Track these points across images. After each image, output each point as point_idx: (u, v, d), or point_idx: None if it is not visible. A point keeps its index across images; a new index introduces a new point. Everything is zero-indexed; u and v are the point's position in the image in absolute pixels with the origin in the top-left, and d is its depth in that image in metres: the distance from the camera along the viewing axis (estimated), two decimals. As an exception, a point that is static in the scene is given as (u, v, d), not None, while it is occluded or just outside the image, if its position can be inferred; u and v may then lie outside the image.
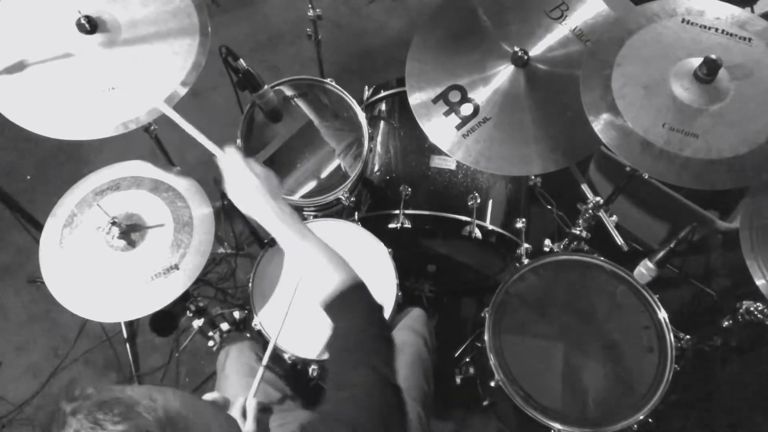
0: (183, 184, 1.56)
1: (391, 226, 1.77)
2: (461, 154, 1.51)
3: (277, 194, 1.07)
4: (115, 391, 0.68)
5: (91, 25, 1.47)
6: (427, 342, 1.58)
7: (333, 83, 1.81)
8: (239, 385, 1.44)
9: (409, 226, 1.77)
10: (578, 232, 1.75)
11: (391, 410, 0.93)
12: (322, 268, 1.04)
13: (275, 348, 1.53)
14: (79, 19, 1.45)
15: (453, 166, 1.85)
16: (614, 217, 1.68)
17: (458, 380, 2.01)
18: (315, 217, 1.81)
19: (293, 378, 1.55)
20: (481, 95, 1.56)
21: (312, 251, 1.05)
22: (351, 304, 1.02)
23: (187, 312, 1.66)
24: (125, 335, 2.20)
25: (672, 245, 1.35)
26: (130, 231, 1.46)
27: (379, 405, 0.91)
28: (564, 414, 1.47)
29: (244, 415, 1.21)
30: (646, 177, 1.55)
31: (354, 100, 1.81)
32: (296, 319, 1.56)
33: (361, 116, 1.78)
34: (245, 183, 1.07)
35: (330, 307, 1.02)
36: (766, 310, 1.49)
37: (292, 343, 1.53)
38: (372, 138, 1.81)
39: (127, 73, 1.48)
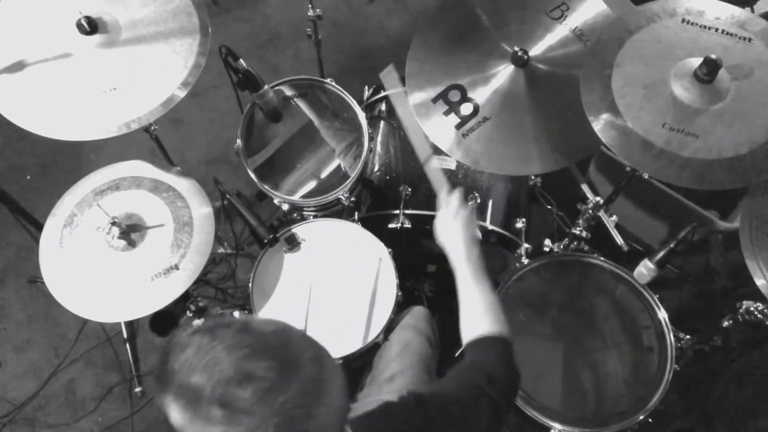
0: (183, 184, 1.56)
1: (391, 226, 1.77)
2: (461, 153, 1.51)
3: (473, 240, 1.21)
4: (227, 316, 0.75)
5: (91, 26, 1.47)
6: (430, 340, 1.58)
7: (333, 83, 1.81)
8: None
9: (409, 226, 1.77)
10: (578, 232, 1.75)
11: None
12: (476, 312, 1.12)
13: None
14: (79, 20, 1.46)
15: (453, 166, 1.85)
16: (614, 217, 1.68)
17: (458, 380, 2.01)
18: (315, 217, 1.81)
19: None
20: (480, 95, 1.56)
21: (475, 294, 1.13)
22: (489, 348, 1.07)
23: (187, 312, 1.66)
24: (125, 335, 2.20)
25: (672, 245, 1.35)
26: (130, 231, 1.46)
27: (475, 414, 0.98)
28: (564, 414, 1.47)
29: None
30: (646, 177, 1.55)
31: (354, 100, 1.81)
32: (297, 320, 1.56)
33: (361, 116, 1.78)
34: (457, 220, 1.22)
35: (471, 345, 1.09)
36: (766, 310, 1.49)
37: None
38: (372, 138, 1.81)
39: (127, 74, 1.48)
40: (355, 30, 2.99)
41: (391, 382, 1.41)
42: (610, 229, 1.66)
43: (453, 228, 1.21)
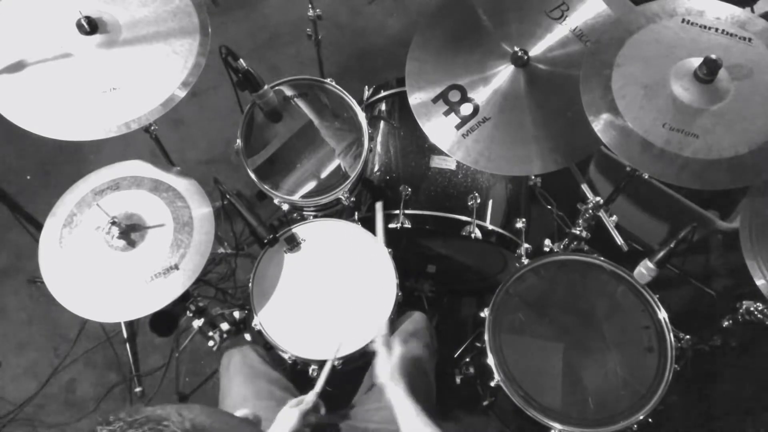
0: (183, 184, 1.56)
1: (391, 226, 1.77)
2: (461, 154, 1.51)
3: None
4: (146, 411, 0.70)
5: (90, 26, 1.47)
6: (429, 347, 1.58)
7: (333, 83, 1.81)
8: (245, 387, 1.44)
9: (409, 226, 1.77)
10: (578, 232, 1.75)
11: None
12: None
13: (277, 348, 1.54)
14: (79, 20, 1.46)
15: (453, 166, 1.85)
16: (614, 217, 1.68)
17: (458, 380, 2.01)
18: (315, 217, 1.81)
19: (292, 377, 1.55)
20: (480, 95, 1.56)
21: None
22: None
23: (187, 312, 1.65)
24: (125, 335, 2.20)
25: (672, 245, 1.35)
26: (130, 231, 1.46)
27: None
28: (564, 414, 1.47)
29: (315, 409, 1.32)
30: (646, 177, 1.55)
31: (354, 100, 1.81)
32: (297, 320, 1.56)
33: (361, 116, 1.78)
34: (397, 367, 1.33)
35: None
36: (766, 310, 1.49)
37: (293, 343, 1.53)
38: (372, 138, 1.81)
39: (127, 74, 1.48)
40: (355, 30, 2.99)
41: None
42: (610, 229, 1.66)
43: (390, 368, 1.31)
